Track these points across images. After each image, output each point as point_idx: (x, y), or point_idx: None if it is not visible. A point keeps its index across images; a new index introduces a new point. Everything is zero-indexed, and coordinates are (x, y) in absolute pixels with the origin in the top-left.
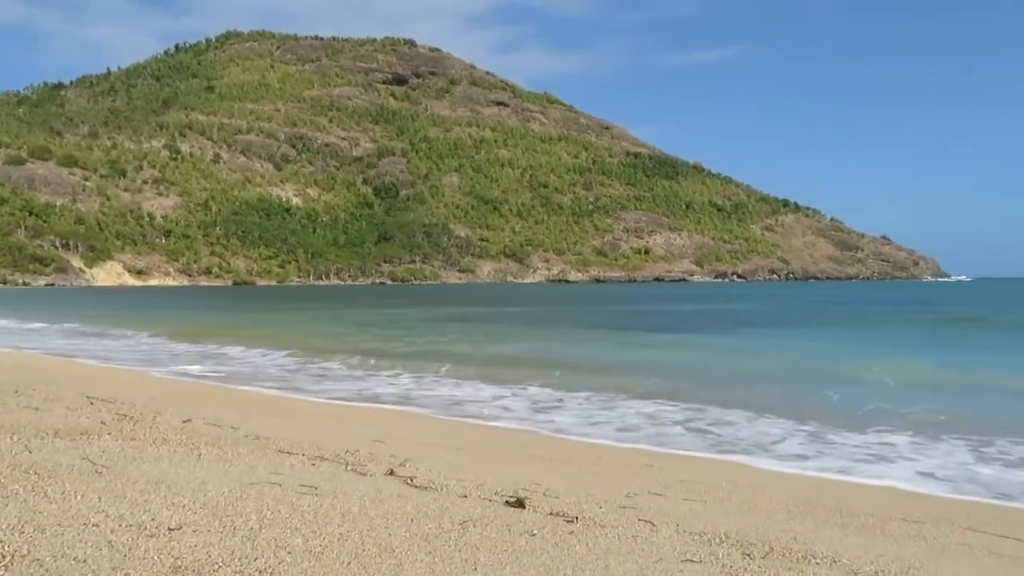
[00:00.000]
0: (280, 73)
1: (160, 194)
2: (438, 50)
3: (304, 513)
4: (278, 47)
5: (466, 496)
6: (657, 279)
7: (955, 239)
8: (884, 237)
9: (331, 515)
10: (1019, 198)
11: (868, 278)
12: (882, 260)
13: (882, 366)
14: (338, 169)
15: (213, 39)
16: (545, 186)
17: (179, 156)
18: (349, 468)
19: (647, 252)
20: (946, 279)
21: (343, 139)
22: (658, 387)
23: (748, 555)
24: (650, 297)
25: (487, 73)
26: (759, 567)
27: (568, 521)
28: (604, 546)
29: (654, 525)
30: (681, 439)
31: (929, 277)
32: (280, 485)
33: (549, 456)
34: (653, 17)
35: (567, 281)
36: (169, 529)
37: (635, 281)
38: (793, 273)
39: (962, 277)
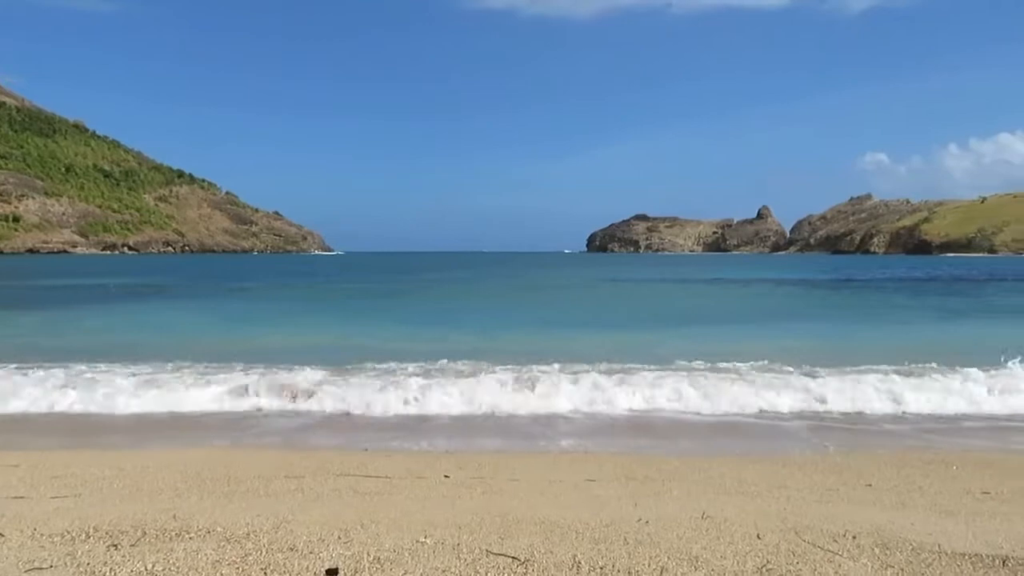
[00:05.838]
0: None
1: None
2: None
3: None
4: None
5: None
6: (31, 251)
7: (335, 217)
8: (276, 213)
9: None
10: (379, 186)
11: (263, 251)
12: (275, 235)
13: None
14: None
15: None
16: None
17: None
18: None
19: (17, 220)
20: (330, 252)
21: None
22: None
23: (115, 545)
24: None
25: None
26: (124, 556)
27: None
28: None
29: (3, 536)
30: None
31: (316, 251)
32: None
33: None
34: None
35: None
36: None
37: (2, 253)
38: (189, 246)
39: (339, 252)
